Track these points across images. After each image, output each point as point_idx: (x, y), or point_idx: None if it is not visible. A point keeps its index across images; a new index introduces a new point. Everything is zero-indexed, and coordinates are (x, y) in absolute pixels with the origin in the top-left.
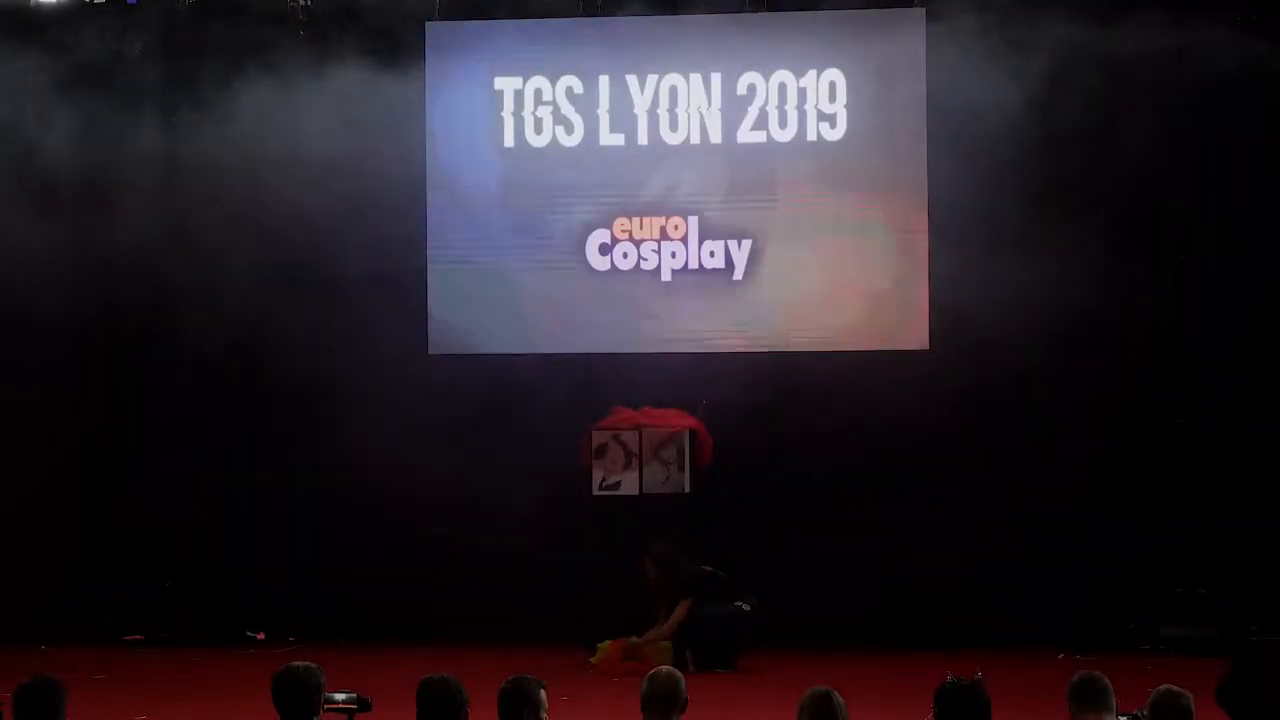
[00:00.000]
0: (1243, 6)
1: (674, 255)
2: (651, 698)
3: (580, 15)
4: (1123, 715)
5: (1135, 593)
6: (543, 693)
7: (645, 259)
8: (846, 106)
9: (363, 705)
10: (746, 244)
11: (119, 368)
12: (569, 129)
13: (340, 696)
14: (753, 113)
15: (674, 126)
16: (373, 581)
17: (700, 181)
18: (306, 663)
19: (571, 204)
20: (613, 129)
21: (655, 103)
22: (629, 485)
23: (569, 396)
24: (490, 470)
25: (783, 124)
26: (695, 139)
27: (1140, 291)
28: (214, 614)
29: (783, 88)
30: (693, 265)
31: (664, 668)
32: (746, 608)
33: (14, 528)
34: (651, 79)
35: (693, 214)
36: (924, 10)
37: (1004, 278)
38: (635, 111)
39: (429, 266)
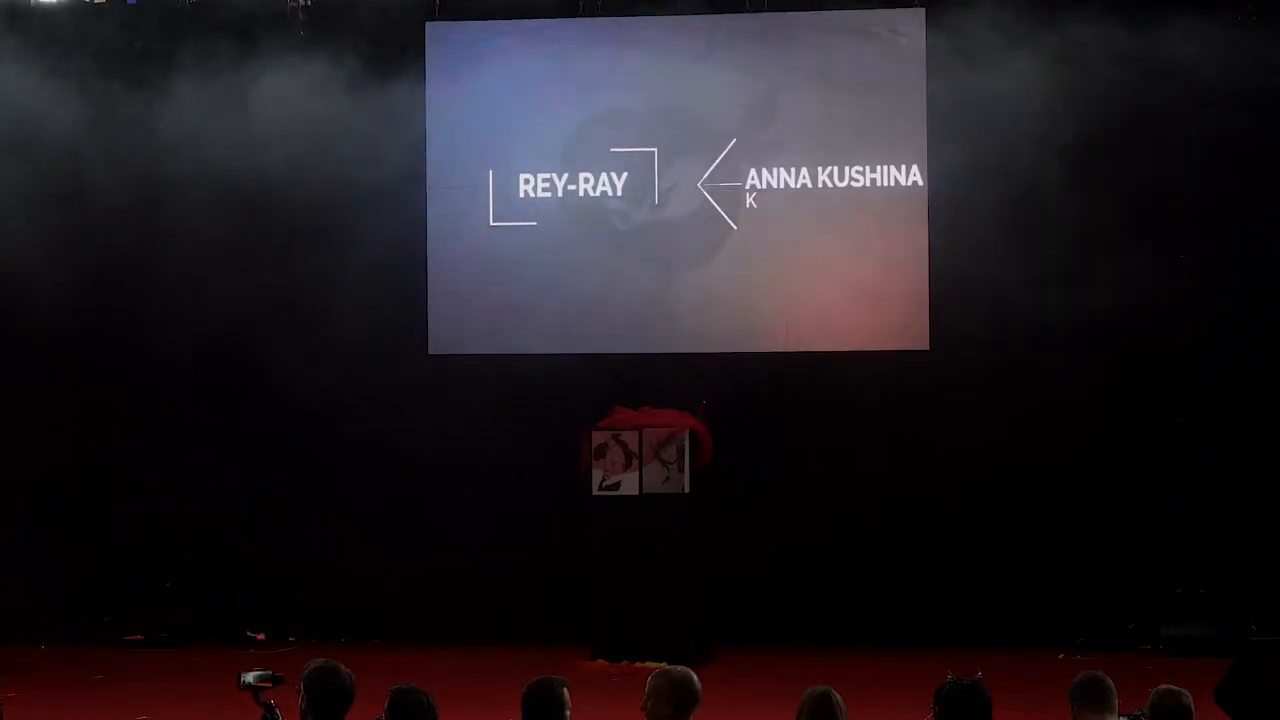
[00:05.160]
0: (1246, 6)
1: (672, 252)
2: (664, 696)
3: (580, 15)
4: (1123, 716)
5: (1135, 592)
6: (565, 692)
7: (645, 254)
8: (846, 106)
9: None
10: (746, 243)
11: (118, 368)
12: (569, 128)
13: None
14: (753, 113)
15: (675, 126)
16: (373, 581)
17: (700, 179)
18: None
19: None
20: (613, 128)
21: (655, 102)
22: (629, 485)
23: (569, 396)
24: (490, 470)
25: (782, 124)
26: (696, 138)
27: (1141, 290)
28: (214, 614)
29: (783, 88)
30: (692, 261)
31: (677, 666)
32: None
33: (14, 527)
34: (652, 78)
35: (693, 211)
36: (924, 10)
37: (1004, 277)
38: (635, 111)
39: (429, 266)
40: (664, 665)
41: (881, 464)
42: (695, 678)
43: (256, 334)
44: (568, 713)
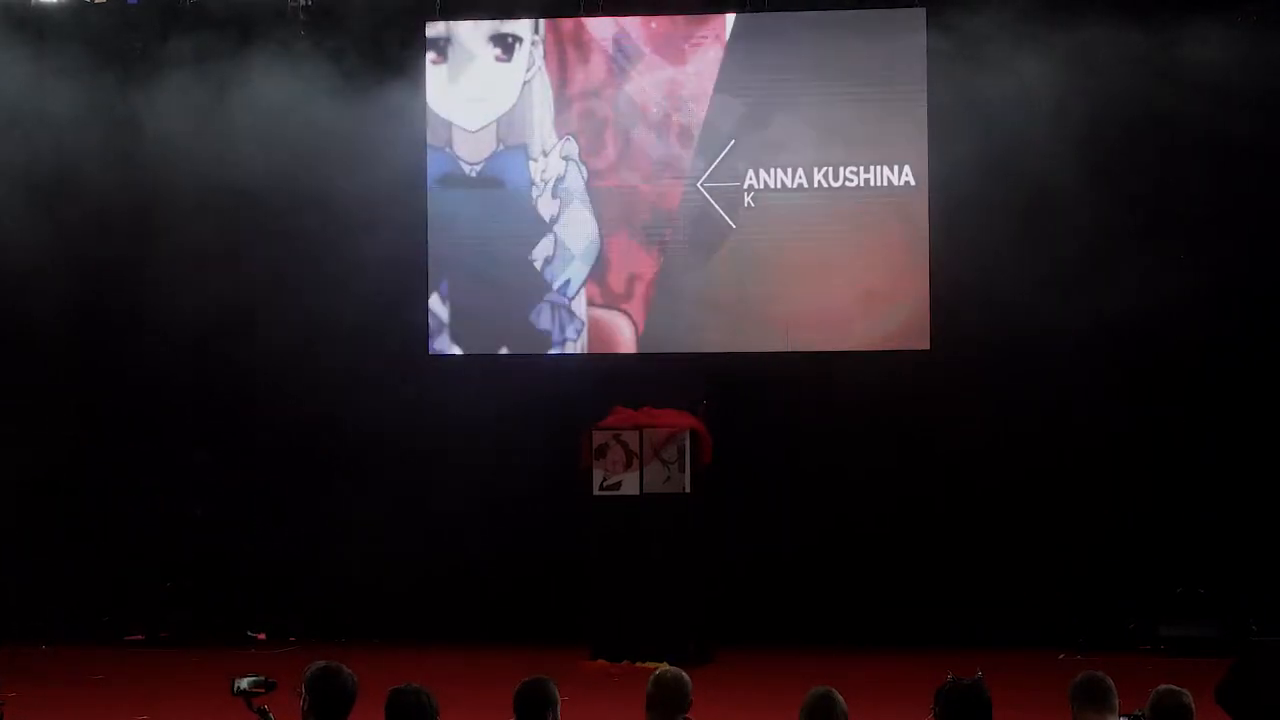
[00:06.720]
0: (1244, 6)
1: (671, 251)
2: (657, 699)
3: (580, 15)
4: (1123, 716)
5: (1135, 592)
6: (556, 690)
7: (645, 254)
8: (846, 106)
9: None
10: (745, 242)
11: (118, 368)
12: (569, 128)
13: None
14: (752, 114)
15: (673, 125)
16: (373, 581)
17: (700, 179)
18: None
19: (572, 202)
20: (613, 125)
21: (654, 100)
22: (629, 485)
23: (569, 396)
24: (490, 470)
25: (781, 124)
26: (696, 137)
27: (1141, 291)
28: (214, 614)
29: (782, 87)
30: (691, 261)
31: (670, 669)
32: None
33: (14, 527)
34: (651, 77)
35: (693, 211)
36: (924, 9)
37: (1005, 278)
38: (633, 109)
39: (429, 266)
40: (658, 670)
41: (882, 464)
42: (685, 677)
43: (256, 334)
44: (558, 709)
